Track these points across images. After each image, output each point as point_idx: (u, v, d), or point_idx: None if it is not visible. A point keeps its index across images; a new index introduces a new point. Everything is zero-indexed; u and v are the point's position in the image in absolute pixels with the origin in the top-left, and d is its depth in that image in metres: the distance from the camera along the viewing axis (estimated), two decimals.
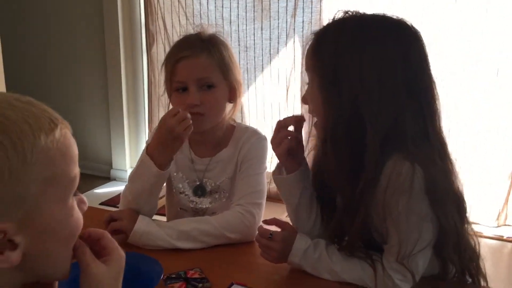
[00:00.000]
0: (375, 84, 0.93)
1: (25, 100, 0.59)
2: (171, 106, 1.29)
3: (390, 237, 0.98)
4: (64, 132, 0.60)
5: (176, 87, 1.25)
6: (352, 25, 0.97)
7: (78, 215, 0.63)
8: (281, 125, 1.08)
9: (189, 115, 1.14)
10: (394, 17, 0.99)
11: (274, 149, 1.09)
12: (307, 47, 1.02)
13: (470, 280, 1.04)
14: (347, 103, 0.94)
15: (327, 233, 1.08)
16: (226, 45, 1.28)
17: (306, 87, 1.05)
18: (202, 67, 1.22)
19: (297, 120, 1.08)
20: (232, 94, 1.29)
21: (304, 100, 1.05)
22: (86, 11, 3.19)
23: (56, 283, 0.68)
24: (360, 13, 0.99)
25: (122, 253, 0.69)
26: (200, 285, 1.01)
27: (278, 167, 1.12)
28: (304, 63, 1.05)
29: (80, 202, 0.64)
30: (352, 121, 0.94)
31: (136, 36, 3.16)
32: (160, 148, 1.16)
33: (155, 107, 3.12)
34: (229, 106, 1.31)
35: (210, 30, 1.29)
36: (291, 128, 1.09)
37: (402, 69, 0.96)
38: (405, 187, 0.92)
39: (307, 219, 1.11)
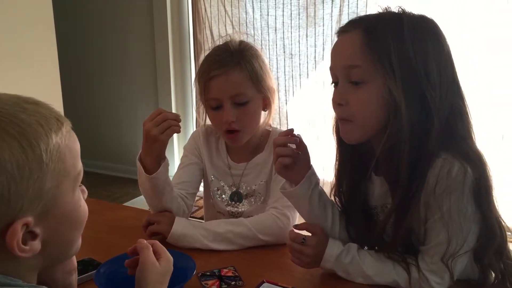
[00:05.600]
0: (436, 80, 0.92)
1: (32, 101, 0.64)
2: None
3: (434, 238, 0.96)
4: (68, 129, 0.66)
5: (210, 105, 1.27)
6: (411, 20, 0.93)
7: (84, 203, 0.70)
8: (275, 144, 1.05)
9: (170, 116, 1.14)
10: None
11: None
12: (347, 42, 0.97)
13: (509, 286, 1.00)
14: (416, 97, 0.91)
15: (370, 241, 1.07)
16: (255, 52, 1.29)
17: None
18: (235, 84, 1.23)
19: (286, 135, 1.05)
20: (267, 102, 1.30)
21: (343, 100, 0.97)
22: (137, 22, 3.33)
23: (74, 257, 0.76)
24: (403, 9, 0.96)
25: (170, 256, 0.83)
26: (233, 283, 1.03)
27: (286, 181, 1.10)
28: (343, 59, 0.97)
29: (82, 192, 0.70)
30: (421, 114, 0.91)
31: (184, 45, 3.26)
32: (145, 153, 1.18)
33: (202, 113, 3.18)
34: (264, 112, 1.32)
35: (237, 38, 1.30)
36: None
37: (451, 67, 0.95)
38: (456, 185, 0.90)
39: (322, 226, 1.09)
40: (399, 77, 0.91)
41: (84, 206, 0.69)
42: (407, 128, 0.91)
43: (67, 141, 0.64)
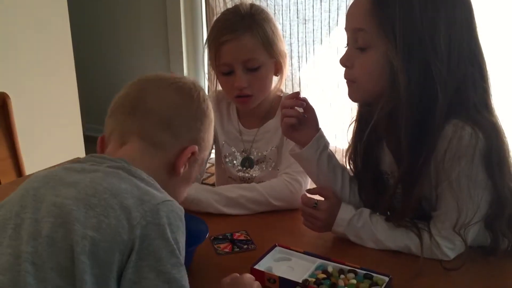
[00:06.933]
0: (445, 48, 0.90)
1: None
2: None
3: (444, 204, 0.96)
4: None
5: (222, 70, 1.26)
6: None
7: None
8: (282, 106, 1.08)
9: None
10: None
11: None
12: (357, 4, 0.97)
13: None
14: (418, 67, 0.90)
15: (380, 206, 1.07)
16: (267, 15, 1.27)
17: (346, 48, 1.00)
18: (246, 49, 1.22)
19: (292, 97, 1.07)
20: (278, 67, 1.29)
21: (349, 62, 0.99)
22: None
23: None
24: None
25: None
26: (246, 246, 1.05)
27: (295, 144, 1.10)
28: (351, 21, 0.99)
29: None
30: (423, 86, 0.91)
31: (196, 9, 3.22)
32: None
33: (213, 79, 3.17)
34: (275, 77, 1.31)
35: (248, 0, 1.27)
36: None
37: (468, 34, 0.93)
38: (467, 151, 0.90)
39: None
40: (401, 45, 0.90)
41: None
42: (406, 97, 0.90)
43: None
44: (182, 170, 0.80)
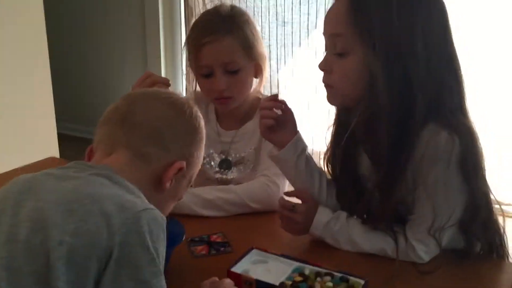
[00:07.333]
0: (423, 52, 0.91)
1: None
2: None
3: (420, 208, 0.97)
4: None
5: (201, 72, 1.25)
6: None
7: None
8: (261, 108, 1.08)
9: (159, 80, 1.12)
10: None
11: None
12: (334, 10, 0.97)
13: (495, 257, 1.02)
14: (397, 71, 0.91)
15: (358, 210, 1.07)
16: (248, 18, 1.26)
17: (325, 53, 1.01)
18: (226, 52, 1.22)
19: (271, 99, 1.07)
20: (258, 70, 1.29)
21: (328, 67, 0.99)
22: None
23: None
24: None
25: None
26: (222, 248, 1.04)
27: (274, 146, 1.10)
28: (329, 26, 0.99)
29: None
30: (402, 90, 0.91)
31: (175, 9, 3.20)
32: None
33: (192, 79, 3.15)
34: (255, 79, 1.31)
35: (228, 2, 1.28)
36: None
37: (443, 39, 0.94)
38: (443, 156, 0.91)
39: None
40: (379, 49, 0.90)
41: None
42: (385, 102, 0.91)
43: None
44: (168, 185, 0.78)
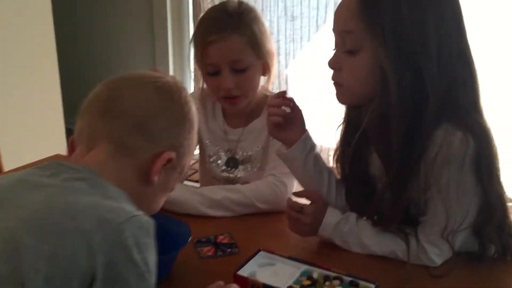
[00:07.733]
0: (435, 47, 0.88)
1: None
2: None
3: (433, 209, 0.94)
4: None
5: (208, 70, 1.23)
6: None
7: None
8: (268, 105, 1.05)
9: None
10: None
11: None
12: (344, 6, 0.95)
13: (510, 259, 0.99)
14: (409, 68, 0.88)
15: (368, 211, 1.04)
16: (255, 14, 1.24)
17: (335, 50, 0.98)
18: (234, 50, 1.19)
19: (279, 97, 1.05)
20: (266, 67, 1.26)
21: (337, 65, 0.97)
22: None
23: None
24: None
25: None
26: (229, 250, 1.02)
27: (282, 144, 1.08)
28: (338, 23, 0.96)
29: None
30: (414, 87, 0.89)
31: (183, 5, 3.18)
32: None
33: (199, 77, 3.13)
34: (263, 77, 1.29)
35: None
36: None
37: (456, 33, 0.92)
38: (457, 157, 0.88)
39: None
40: (390, 46, 0.88)
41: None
42: (396, 100, 0.89)
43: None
44: (156, 178, 0.72)
